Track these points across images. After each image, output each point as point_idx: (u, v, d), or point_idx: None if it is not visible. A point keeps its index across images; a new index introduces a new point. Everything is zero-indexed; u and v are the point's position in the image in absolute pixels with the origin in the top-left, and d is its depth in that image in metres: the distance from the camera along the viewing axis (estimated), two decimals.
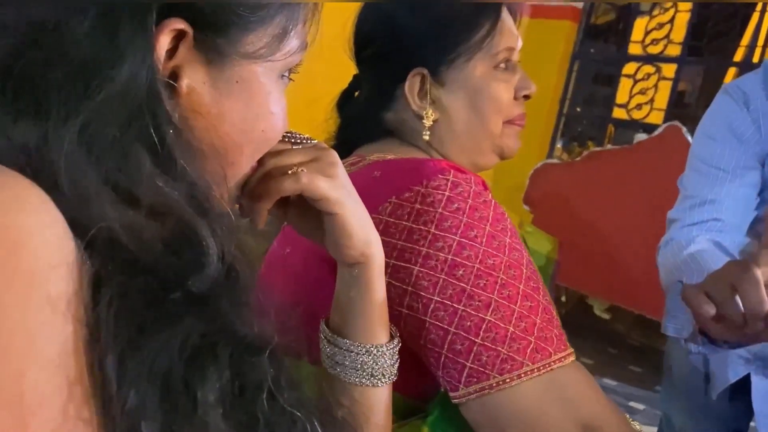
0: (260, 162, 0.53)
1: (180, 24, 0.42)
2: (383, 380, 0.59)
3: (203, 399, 0.36)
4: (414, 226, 0.67)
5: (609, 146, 3.66)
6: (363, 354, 0.58)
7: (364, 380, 0.58)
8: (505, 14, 0.82)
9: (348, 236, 0.55)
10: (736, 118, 1.15)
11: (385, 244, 0.60)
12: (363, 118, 0.85)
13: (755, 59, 3.26)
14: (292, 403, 0.40)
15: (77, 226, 0.36)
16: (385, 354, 0.59)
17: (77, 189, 0.37)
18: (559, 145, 4.06)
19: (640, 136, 3.48)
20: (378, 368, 0.58)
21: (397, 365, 0.60)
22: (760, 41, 3.25)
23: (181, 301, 0.38)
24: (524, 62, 0.86)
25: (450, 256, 0.65)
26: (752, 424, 1.30)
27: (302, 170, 0.53)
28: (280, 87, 0.50)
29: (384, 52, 0.82)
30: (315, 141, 0.57)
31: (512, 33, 0.83)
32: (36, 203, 0.35)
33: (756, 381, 1.23)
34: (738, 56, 3.52)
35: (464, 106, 0.81)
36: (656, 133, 3.25)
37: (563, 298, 3.88)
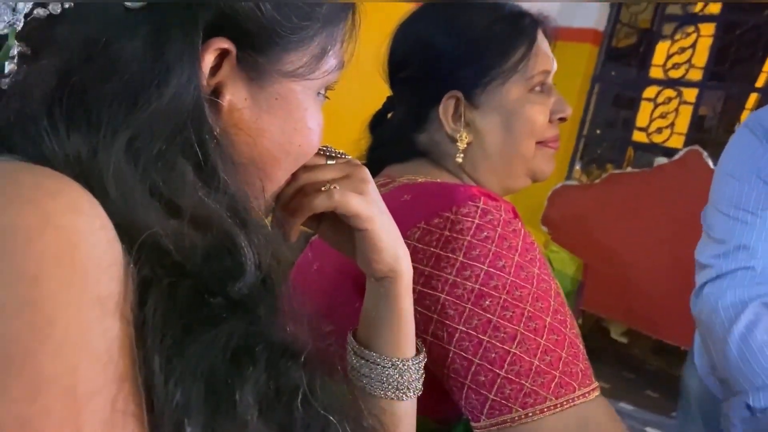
0: (294, 176, 0.55)
1: (224, 43, 0.44)
2: (408, 394, 0.59)
3: (243, 399, 0.37)
4: (442, 253, 0.67)
5: (629, 169, 3.65)
6: (389, 367, 0.59)
7: (389, 393, 0.59)
8: (541, 37, 0.83)
9: (378, 251, 0.57)
10: (759, 157, 1.13)
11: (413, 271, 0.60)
12: (395, 139, 0.85)
13: None
14: (325, 407, 0.41)
15: (124, 232, 0.38)
16: (411, 368, 0.59)
17: (124, 198, 0.39)
18: (578, 167, 4.05)
19: (660, 160, 3.46)
20: (403, 382, 0.59)
21: (422, 380, 0.61)
22: None
23: (222, 305, 0.40)
24: None
25: (477, 286, 0.65)
26: None
27: (335, 187, 0.55)
28: (317, 104, 0.52)
29: (419, 74, 0.83)
30: (348, 157, 0.59)
31: (548, 56, 0.83)
32: (88, 208, 0.37)
33: None
34: (760, 82, 3.50)
35: (498, 128, 0.81)
36: (677, 157, 3.24)
37: (580, 321, 3.85)
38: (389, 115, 0.89)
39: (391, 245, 0.57)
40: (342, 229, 0.58)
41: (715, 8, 3.60)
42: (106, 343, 0.34)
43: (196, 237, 0.41)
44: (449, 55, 0.80)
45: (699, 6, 3.68)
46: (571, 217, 3.57)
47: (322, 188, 0.55)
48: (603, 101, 4.05)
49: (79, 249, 0.35)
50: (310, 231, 0.62)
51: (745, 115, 3.99)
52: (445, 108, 0.81)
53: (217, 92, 0.46)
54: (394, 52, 0.86)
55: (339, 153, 0.59)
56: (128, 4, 0.42)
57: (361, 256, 0.58)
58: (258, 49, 0.46)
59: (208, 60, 0.44)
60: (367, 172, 0.58)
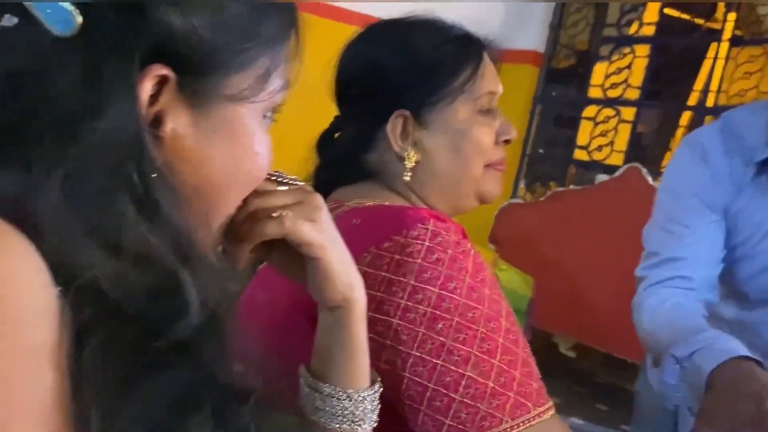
0: (245, 201, 0.53)
1: (162, 70, 0.42)
2: (364, 426, 0.58)
3: None
4: (393, 277, 0.66)
5: (571, 187, 3.73)
6: (344, 399, 0.57)
7: (345, 426, 0.57)
8: (487, 59, 0.84)
9: (330, 280, 0.55)
10: (696, 174, 1.17)
11: None
12: (344, 160, 0.85)
13: (708, 103, 3.39)
14: None
15: (61, 275, 0.35)
16: (366, 399, 0.58)
17: (60, 239, 0.36)
18: (522, 185, 4.13)
19: (601, 177, 3.56)
20: (359, 413, 0.58)
21: (377, 411, 0.60)
22: (713, 86, 3.38)
23: (165, 349, 0.38)
24: None
25: (430, 309, 0.65)
26: None
27: (286, 213, 0.53)
28: (264, 127, 0.50)
29: (367, 93, 0.82)
30: (301, 183, 0.58)
31: (494, 77, 0.84)
32: (20, 251, 0.34)
33: None
34: (692, 100, 3.65)
35: (446, 148, 0.81)
36: (617, 174, 3.33)
37: (530, 337, 3.90)
38: (337, 135, 0.88)
39: (344, 273, 0.56)
40: (293, 257, 0.56)
41: (649, 30, 3.74)
42: (40, 395, 0.32)
43: (138, 277, 0.38)
44: (397, 74, 0.81)
45: (634, 28, 3.82)
46: (518, 234, 3.63)
47: (273, 214, 0.53)
48: (545, 121, 4.15)
49: (10, 295, 0.32)
50: (259, 258, 0.60)
51: (680, 132, 4.16)
52: (393, 126, 0.80)
53: (158, 121, 0.44)
54: (342, 72, 0.85)
55: (291, 179, 0.57)
56: (58, 32, 0.39)
57: (314, 285, 0.57)
58: (198, 74, 0.44)
59: (146, 88, 0.41)
60: (320, 198, 0.57)
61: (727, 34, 3.40)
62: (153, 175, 0.41)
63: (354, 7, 3.57)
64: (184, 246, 0.42)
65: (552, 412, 0.66)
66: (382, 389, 0.61)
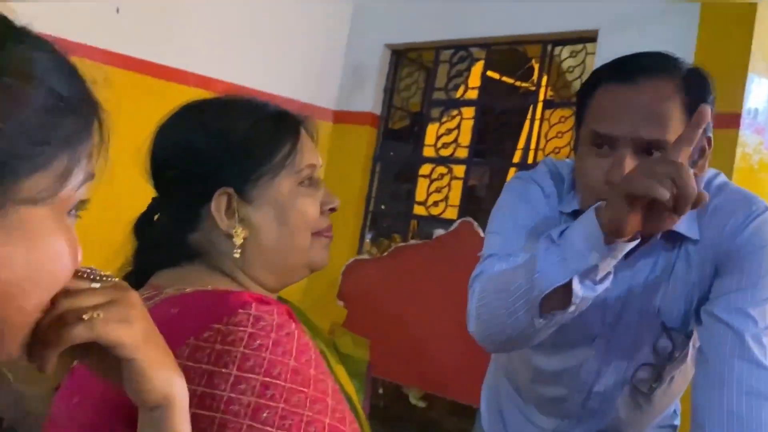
0: (53, 302, 0.50)
1: None
2: None
3: None
4: (215, 369, 0.65)
5: (413, 241, 3.89)
6: None
7: None
8: (304, 134, 0.86)
9: (148, 380, 0.54)
10: (531, 194, 1.22)
11: None
12: (165, 241, 0.83)
13: (529, 161, 3.70)
14: None
15: None
16: None
17: None
18: (368, 240, 4.24)
19: (439, 231, 3.74)
20: None
21: None
22: (532, 145, 3.70)
23: None
24: (331, 164, 0.91)
25: (254, 399, 0.64)
26: None
27: (98, 314, 0.51)
28: (68, 224, 0.49)
29: (185, 176, 0.82)
30: (115, 279, 0.56)
31: (313, 151, 0.86)
32: None
33: None
34: (516, 157, 3.96)
35: (273, 222, 0.82)
36: (452, 228, 3.53)
37: (380, 390, 3.95)
38: (156, 217, 0.86)
39: (162, 371, 0.55)
40: (106, 357, 0.54)
41: (473, 94, 4.05)
42: None
43: None
44: (214, 155, 0.81)
45: (460, 92, 4.12)
46: (365, 289, 3.71)
47: (84, 316, 0.50)
48: (385, 178, 4.32)
49: None
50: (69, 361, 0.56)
51: None
52: (218, 204, 0.80)
53: None
54: (155, 156, 0.84)
55: (104, 276, 0.55)
56: None
57: (130, 386, 0.55)
58: None
59: None
60: (135, 295, 0.55)
61: (541, 97, 3.76)
62: None
63: (189, 68, 3.56)
64: None
65: None
66: None
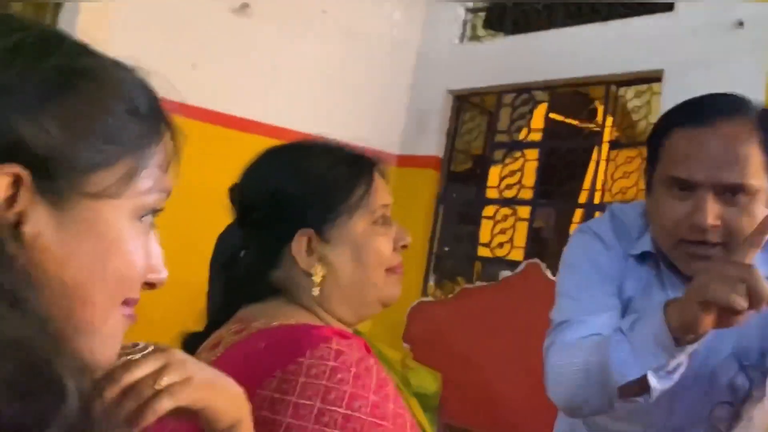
0: (110, 379, 0.52)
1: (14, 169, 0.42)
2: None
3: None
4: (300, 401, 0.68)
5: (478, 283, 3.88)
6: None
7: None
8: (377, 175, 0.91)
9: (220, 416, 0.58)
10: (595, 252, 1.22)
11: (272, 422, 0.63)
12: (251, 278, 0.88)
13: (596, 201, 3.66)
14: None
15: None
16: None
17: None
18: (431, 283, 4.25)
19: (504, 273, 3.72)
20: None
21: None
22: (598, 185, 3.66)
23: None
24: (395, 207, 0.94)
25: (336, 431, 0.67)
26: None
27: (165, 384, 0.54)
28: (137, 226, 0.49)
29: (270, 217, 0.87)
30: (151, 345, 0.57)
31: (385, 190, 0.91)
32: None
33: None
34: (582, 198, 3.93)
35: (349, 260, 0.86)
36: (518, 270, 3.52)
37: None
38: (242, 255, 0.92)
39: (230, 403, 0.58)
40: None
41: (536, 136, 4.06)
42: None
43: (7, 372, 0.36)
44: (297, 197, 0.86)
45: (523, 134, 4.14)
46: (430, 332, 3.71)
47: (156, 386, 0.53)
48: (448, 220, 4.34)
49: None
50: None
51: (574, 228, 4.41)
52: (298, 245, 0.84)
53: (19, 221, 0.43)
54: (243, 197, 0.90)
55: (140, 345, 0.57)
56: None
57: (205, 423, 0.58)
58: (54, 172, 0.44)
59: (1, 189, 0.42)
60: (180, 352, 0.58)
61: (606, 137, 3.74)
62: (14, 276, 0.40)
63: (257, 118, 3.70)
64: (53, 339, 0.41)
65: None
66: None
